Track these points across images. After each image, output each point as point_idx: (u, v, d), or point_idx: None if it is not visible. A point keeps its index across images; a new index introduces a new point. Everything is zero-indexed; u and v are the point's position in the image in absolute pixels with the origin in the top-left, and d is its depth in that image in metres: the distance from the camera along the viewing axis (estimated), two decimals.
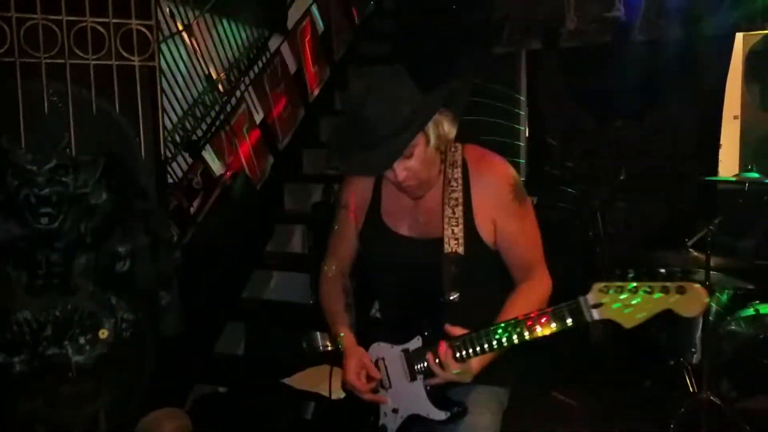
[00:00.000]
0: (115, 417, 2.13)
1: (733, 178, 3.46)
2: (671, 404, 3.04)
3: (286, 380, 3.22)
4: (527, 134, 5.04)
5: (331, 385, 1.85)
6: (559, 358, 3.77)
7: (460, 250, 1.57)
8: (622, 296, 1.33)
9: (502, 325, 1.48)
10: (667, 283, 1.30)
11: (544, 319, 1.41)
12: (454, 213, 1.59)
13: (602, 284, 1.36)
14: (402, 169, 1.54)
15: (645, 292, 1.31)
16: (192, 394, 3.35)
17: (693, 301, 1.28)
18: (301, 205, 4.36)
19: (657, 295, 1.30)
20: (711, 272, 2.99)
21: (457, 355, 1.51)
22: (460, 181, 1.61)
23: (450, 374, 1.53)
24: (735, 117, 4.52)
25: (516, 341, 1.46)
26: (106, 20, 1.92)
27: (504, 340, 1.47)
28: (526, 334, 1.44)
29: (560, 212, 4.07)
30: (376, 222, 1.71)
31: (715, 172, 4.40)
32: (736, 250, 3.53)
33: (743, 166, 4.02)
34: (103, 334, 1.91)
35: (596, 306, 1.36)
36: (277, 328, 3.79)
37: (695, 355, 3.26)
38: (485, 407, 1.66)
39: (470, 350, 1.50)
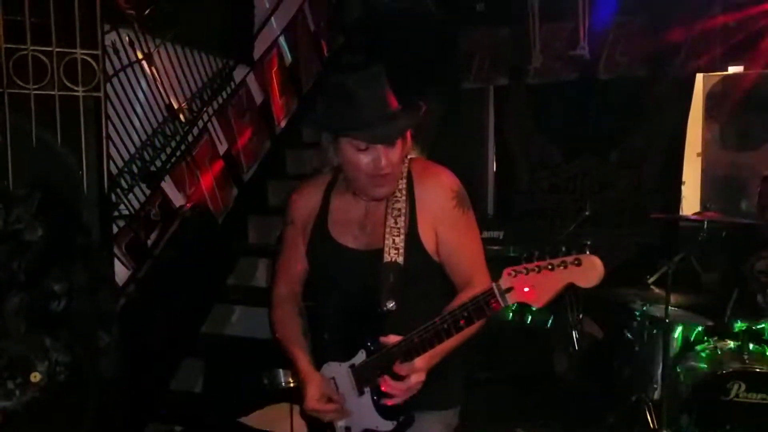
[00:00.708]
0: None
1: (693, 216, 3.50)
2: None
3: (244, 419, 3.12)
4: (494, 169, 5.08)
5: (293, 423, 1.85)
6: (523, 393, 3.77)
7: (400, 259, 1.58)
8: (528, 277, 1.36)
9: (429, 324, 1.50)
10: (565, 258, 1.33)
11: (465, 311, 1.45)
12: (396, 223, 1.61)
13: (510, 269, 1.39)
14: (386, 156, 1.56)
15: (547, 269, 1.34)
16: None
17: (589, 272, 1.31)
18: (265, 237, 4.27)
19: (557, 270, 1.33)
20: (671, 308, 3.02)
21: (396, 364, 1.53)
22: (404, 191, 1.63)
23: (401, 386, 1.53)
24: (698, 154, 4.63)
25: (444, 336, 1.48)
26: (49, 49, 1.85)
27: (434, 337, 1.49)
28: (452, 329, 1.47)
29: (526, 247, 4.08)
30: (322, 234, 1.70)
31: (678, 209, 4.47)
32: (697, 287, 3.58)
33: (703, 204, 4.10)
34: (35, 377, 1.79)
35: (508, 290, 1.39)
36: (238, 364, 3.68)
37: (656, 391, 3.27)
38: (432, 430, 1.67)
39: (410, 353, 1.52)
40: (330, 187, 1.73)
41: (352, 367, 1.63)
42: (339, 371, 1.66)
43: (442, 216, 1.63)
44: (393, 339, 1.54)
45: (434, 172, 1.68)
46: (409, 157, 1.70)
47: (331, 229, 1.70)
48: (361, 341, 1.62)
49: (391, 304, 1.57)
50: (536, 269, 1.36)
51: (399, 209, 1.62)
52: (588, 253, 1.33)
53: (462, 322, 1.46)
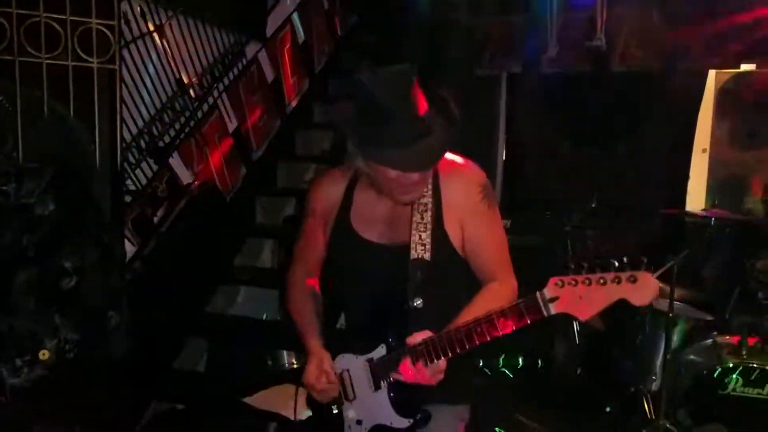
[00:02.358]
0: None
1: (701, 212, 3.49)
2: (631, 430, 3.09)
3: (247, 399, 3.11)
4: (504, 157, 5.04)
5: (297, 405, 1.80)
6: (524, 383, 3.78)
7: (427, 256, 1.57)
8: (576, 288, 1.34)
9: (462, 327, 1.47)
10: (619, 273, 1.30)
11: (503, 318, 1.41)
12: (422, 218, 1.59)
13: (557, 278, 1.36)
14: (417, 174, 1.52)
15: (599, 283, 1.32)
16: (148, 411, 3.20)
17: (644, 289, 1.30)
18: (272, 218, 4.23)
19: (610, 286, 1.31)
20: (674, 303, 3.03)
21: (421, 362, 1.50)
22: (430, 186, 1.62)
23: (421, 379, 1.51)
24: (704, 150, 4.60)
25: (477, 341, 1.45)
26: (63, 17, 1.79)
27: (465, 339, 1.45)
28: (487, 334, 1.44)
29: (532, 237, 4.07)
30: (345, 228, 1.68)
31: (683, 204, 4.46)
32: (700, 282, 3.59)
33: (709, 200, 4.08)
34: (44, 355, 1.76)
35: (552, 300, 1.37)
36: (242, 345, 3.66)
37: (655, 383, 3.29)
38: (447, 426, 1.66)
39: (433, 356, 1.49)
40: (353, 182, 1.69)
41: (370, 360, 1.62)
42: (355, 364, 1.64)
43: (467, 210, 1.61)
44: (419, 337, 1.51)
45: (460, 166, 1.65)
46: None
47: (354, 224, 1.67)
48: (382, 336, 1.60)
49: (418, 302, 1.56)
50: (586, 281, 1.33)
51: (425, 204, 1.59)
52: (644, 269, 1.30)
53: (500, 328, 1.42)
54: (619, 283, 1.29)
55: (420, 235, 1.57)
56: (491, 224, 1.64)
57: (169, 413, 3.29)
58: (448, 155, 1.67)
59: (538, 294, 1.38)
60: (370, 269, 1.65)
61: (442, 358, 1.48)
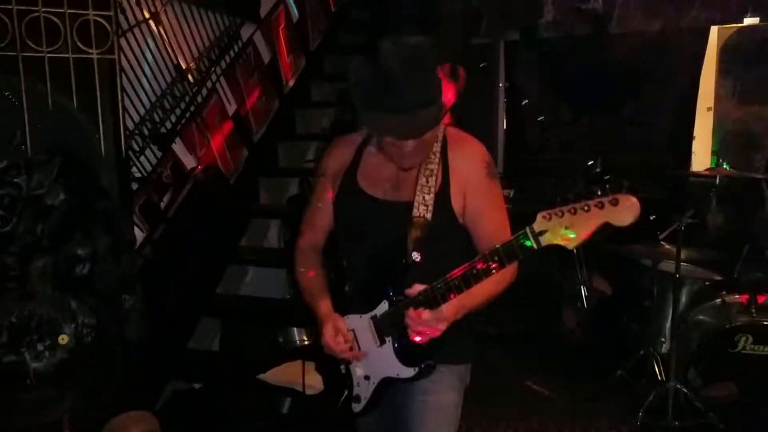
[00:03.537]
0: (81, 422, 2.07)
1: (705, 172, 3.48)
2: (641, 393, 3.12)
3: (262, 376, 3.20)
4: (505, 126, 5.02)
5: (304, 380, 1.86)
6: (533, 348, 3.84)
7: (428, 215, 1.62)
8: (563, 219, 1.38)
9: (459, 272, 1.51)
10: (601, 199, 1.34)
11: (497, 255, 1.46)
12: (427, 182, 1.64)
13: (545, 212, 1.41)
14: (411, 141, 1.58)
15: (583, 210, 1.36)
16: (166, 391, 3.29)
17: (626, 211, 1.33)
18: (276, 199, 4.28)
19: (594, 210, 1.35)
20: (681, 264, 3.05)
21: (422, 308, 1.54)
22: (438, 155, 1.67)
23: (425, 325, 1.55)
24: (708, 108, 4.55)
25: (473, 281, 1.50)
26: (61, 10, 1.82)
27: (462, 282, 1.50)
28: (482, 274, 1.48)
29: (536, 206, 4.07)
30: (350, 184, 1.74)
31: (688, 164, 4.43)
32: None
33: (714, 158, 4.05)
34: (63, 339, 1.84)
35: (541, 233, 1.41)
36: (253, 323, 3.74)
37: (664, 345, 3.34)
38: (447, 385, 1.71)
39: (432, 303, 1.53)
40: (363, 144, 1.76)
41: (373, 317, 1.66)
42: (359, 323, 1.69)
43: (473, 183, 1.67)
44: (417, 288, 1.56)
45: (469, 142, 1.72)
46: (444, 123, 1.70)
47: (360, 180, 1.73)
48: (384, 292, 1.64)
49: (416, 256, 1.60)
50: (572, 211, 1.36)
51: (432, 170, 1.65)
52: (625, 192, 1.33)
53: (494, 266, 1.46)
54: (602, 207, 1.33)
55: (424, 197, 1.63)
56: (493, 199, 1.69)
57: (187, 392, 3.38)
58: (457, 129, 1.74)
59: (527, 229, 1.42)
60: (371, 224, 1.69)
61: (445, 307, 1.53)
